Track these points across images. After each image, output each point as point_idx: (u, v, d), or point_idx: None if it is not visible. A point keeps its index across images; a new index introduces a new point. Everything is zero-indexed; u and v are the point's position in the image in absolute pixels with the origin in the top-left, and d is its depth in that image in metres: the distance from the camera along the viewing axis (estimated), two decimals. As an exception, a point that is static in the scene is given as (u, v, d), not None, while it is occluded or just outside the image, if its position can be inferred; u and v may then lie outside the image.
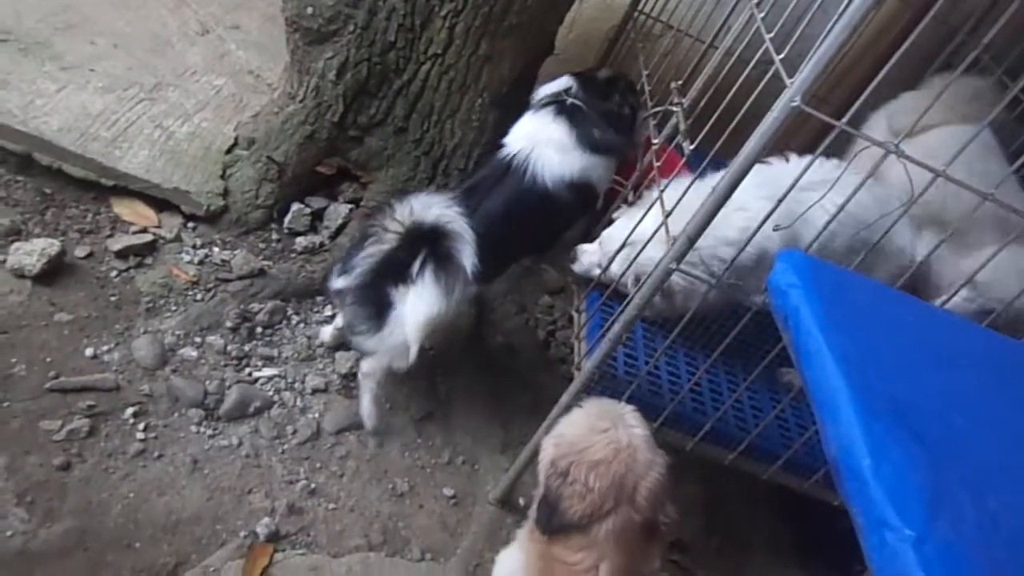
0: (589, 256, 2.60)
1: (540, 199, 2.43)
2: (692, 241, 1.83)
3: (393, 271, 2.20)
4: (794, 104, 1.56)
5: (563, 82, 2.61)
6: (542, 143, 2.46)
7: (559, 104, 2.54)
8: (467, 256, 2.21)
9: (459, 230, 2.22)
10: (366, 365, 2.41)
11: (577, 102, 2.53)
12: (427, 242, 2.19)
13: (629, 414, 1.60)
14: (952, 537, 1.05)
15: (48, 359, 2.25)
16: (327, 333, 2.63)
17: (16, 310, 2.32)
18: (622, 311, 2.05)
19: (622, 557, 1.45)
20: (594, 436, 1.53)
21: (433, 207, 2.22)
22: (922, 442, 1.15)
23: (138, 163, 2.72)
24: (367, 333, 2.27)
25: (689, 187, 2.07)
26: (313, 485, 2.31)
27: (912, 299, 1.60)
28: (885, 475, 1.10)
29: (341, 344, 2.63)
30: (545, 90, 2.62)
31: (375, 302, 2.23)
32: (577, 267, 2.64)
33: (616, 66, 3.45)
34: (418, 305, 2.19)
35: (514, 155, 2.44)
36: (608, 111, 2.59)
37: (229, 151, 2.91)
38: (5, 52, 2.85)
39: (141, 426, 2.23)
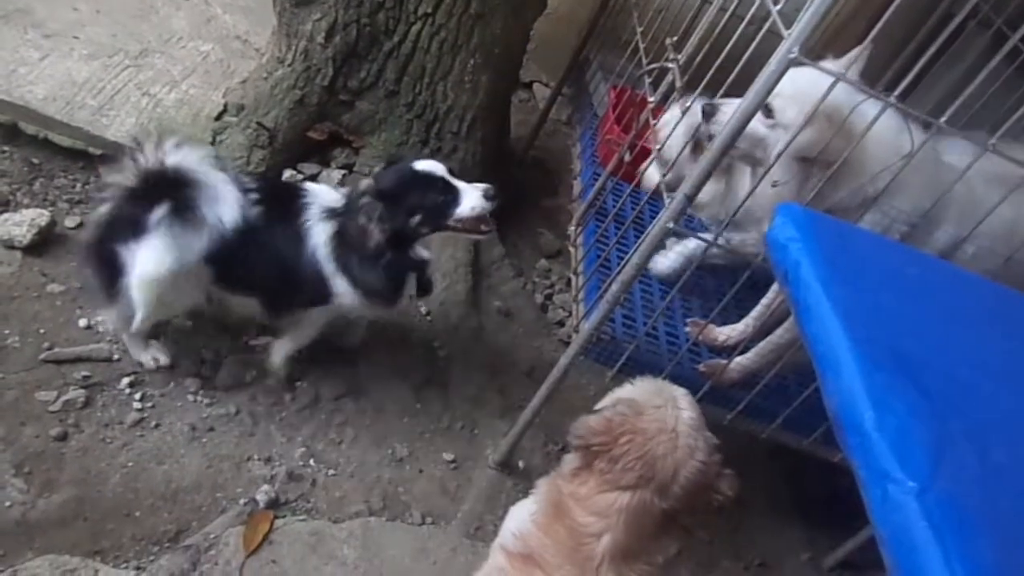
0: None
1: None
2: (690, 199, 1.81)
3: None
4: (792, 56, 1.54)
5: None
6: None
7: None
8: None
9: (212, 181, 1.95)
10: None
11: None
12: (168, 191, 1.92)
13: (681, 396, 1.56)
14: (955, 489, 1.04)
15: (41, 330, 2.24)
16: None
17: (7, 281, 2.29)
18: (619, 271, 2.03)
19: (627, 537, 1.43)
20: (648, 408, 1.52)
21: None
22: (925, 394, 1.14)
23: (126, 131, 2.67)
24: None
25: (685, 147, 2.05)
26: (312, 452, 2.30)
27: (916, 252, 1.58)
28: (888, 428, 1.08)
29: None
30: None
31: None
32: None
33: (610, 22, 3.40)
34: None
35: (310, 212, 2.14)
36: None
37: (218, 118, 2.87)
38: (-14, 20, 2.80)
39: (137, 396, 2.21)
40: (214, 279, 2.14)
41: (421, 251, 2.18)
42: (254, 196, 2.08)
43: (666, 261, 2.65)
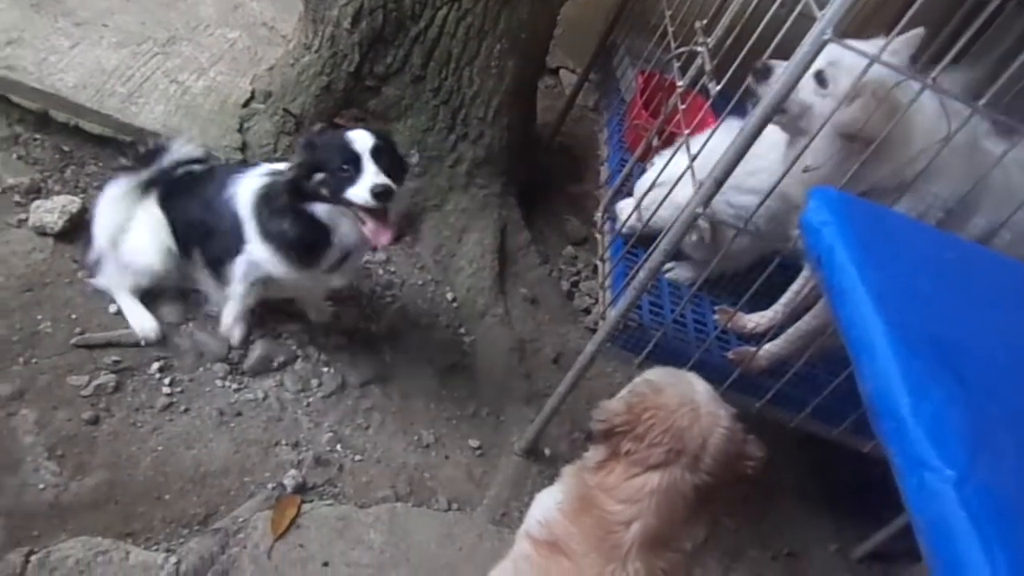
0: (627, 212, 2.56)
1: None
2: (719, 184, 1.79)
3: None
4: (826, 37, 1.51)
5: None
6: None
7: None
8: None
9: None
10: None
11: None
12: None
13: (691, 375, 1.57)
14: (994, 477, 1.01)
15: (73, 315, 2.26)
16: None
17: (40, 267, 2.32)
18: (647, 258, 2.01)
19: (658, 522, 1.41)
20: (665, 385, 1.51)
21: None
22: (963, 380, 1.11)
23: (155, 118, 2.70)
24: None
25: (714, 131, 2.03)
26: (339, 437, 2.32)
27: (951, 236, 1.54)
28: (924, 414, 1.06)
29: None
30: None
31: None
32: (618, 227, 2.61)
33: (638, 6, 3.37)
34: None
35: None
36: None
37: (245, 104, 2.88)
38: (17, 8, 2.82)
39: (167, 381, 2.23)
40: (171, 230, 2.30)
41: (319, 211, 2.07)
42: (203, 161, 2.37)
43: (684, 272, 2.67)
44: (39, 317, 2.22)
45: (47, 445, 1.99)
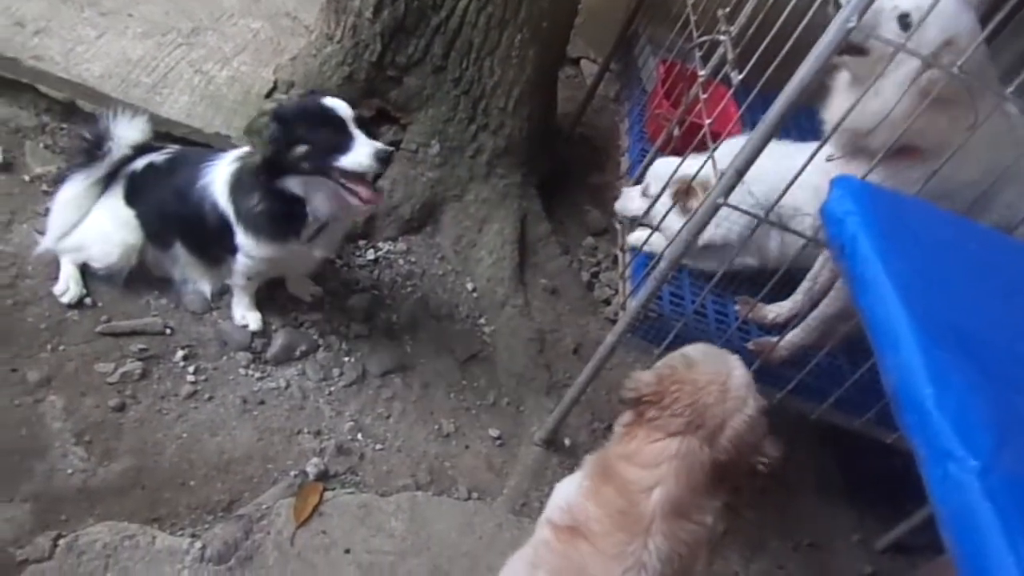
0: (632, 198, 2.57)
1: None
2: (740, 174, 1.77)
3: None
4: (850, 25, 1.49)
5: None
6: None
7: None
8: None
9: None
10: None
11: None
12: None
13: (734, 357, 1.57)
14: (1019, 467, 1.00)
15: (99, 303, 2.29)
16: None
17: (66, 256, 2.35)
18: (667, 248, 2.01)
19: (678, 488, 1.41)
20: (700, 362, 1.52)
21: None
22: (987, 371, 1.11)
23: (179, 108, 2.72)
24: None
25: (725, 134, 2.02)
26: (360, 426, 2.33)
27: (978, 226, 1.52)
28: (948, 405, 1.05)
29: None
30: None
31: None
32: (619, 207, 2.62)
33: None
34: None
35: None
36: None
37: (268, 95, 2.89)
38: (45, -2, 2.85)
39: (191, 369, 2.26)
40: (142, 226, 2.29)
41: (293, 185, 2.06)
42: (166, 152, 2.33)
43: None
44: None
45: (75, 431, 2.03)
